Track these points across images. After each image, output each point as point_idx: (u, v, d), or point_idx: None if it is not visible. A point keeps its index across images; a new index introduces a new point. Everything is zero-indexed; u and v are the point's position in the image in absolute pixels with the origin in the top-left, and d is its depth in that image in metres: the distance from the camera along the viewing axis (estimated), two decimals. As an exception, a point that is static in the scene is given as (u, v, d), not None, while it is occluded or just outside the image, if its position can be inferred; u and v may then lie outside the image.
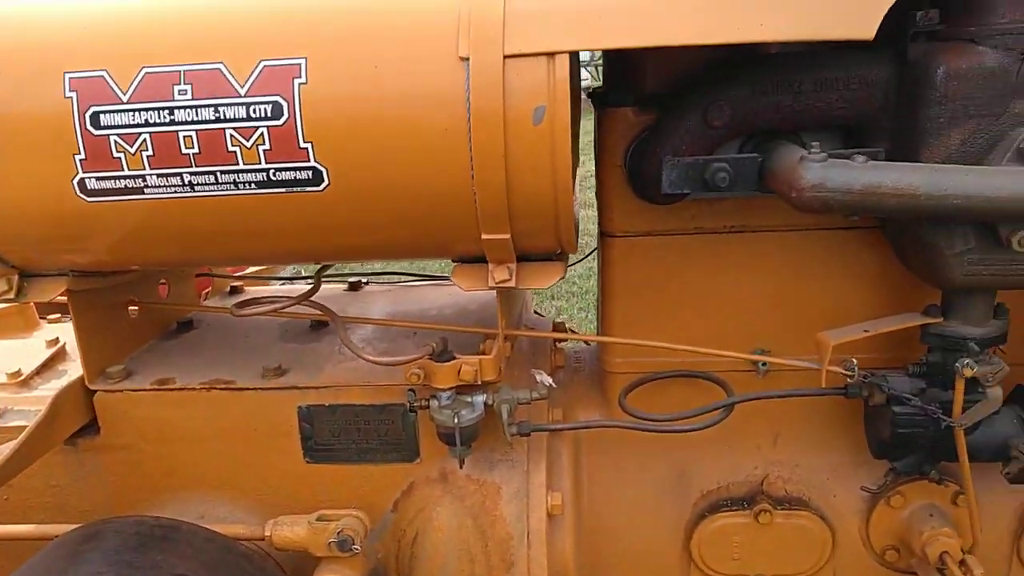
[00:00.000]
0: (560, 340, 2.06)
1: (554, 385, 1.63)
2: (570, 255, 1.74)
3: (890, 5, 1.26)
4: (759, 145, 1.59)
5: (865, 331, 1.61)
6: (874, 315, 1.72)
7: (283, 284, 2.62)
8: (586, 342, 2.21)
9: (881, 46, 1.48)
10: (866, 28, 1.27)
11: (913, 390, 1.62)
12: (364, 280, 2.43)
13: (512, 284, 1.50)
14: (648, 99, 1.66)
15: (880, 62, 1.48)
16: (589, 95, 1.85)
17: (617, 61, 1.82)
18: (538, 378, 1.62)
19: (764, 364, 1.79)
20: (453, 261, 1.58)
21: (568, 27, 1.29)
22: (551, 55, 1.28)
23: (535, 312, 2.43)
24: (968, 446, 1.61)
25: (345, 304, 2.19)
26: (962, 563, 1.75)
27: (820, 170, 1.33)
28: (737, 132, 1.55)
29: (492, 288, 1.51)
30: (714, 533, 1.86)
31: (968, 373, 1.52)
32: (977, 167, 1.37)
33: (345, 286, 2.41)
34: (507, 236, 1.41)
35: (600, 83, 1.93)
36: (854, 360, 1.60)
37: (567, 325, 2.30)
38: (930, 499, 1.84)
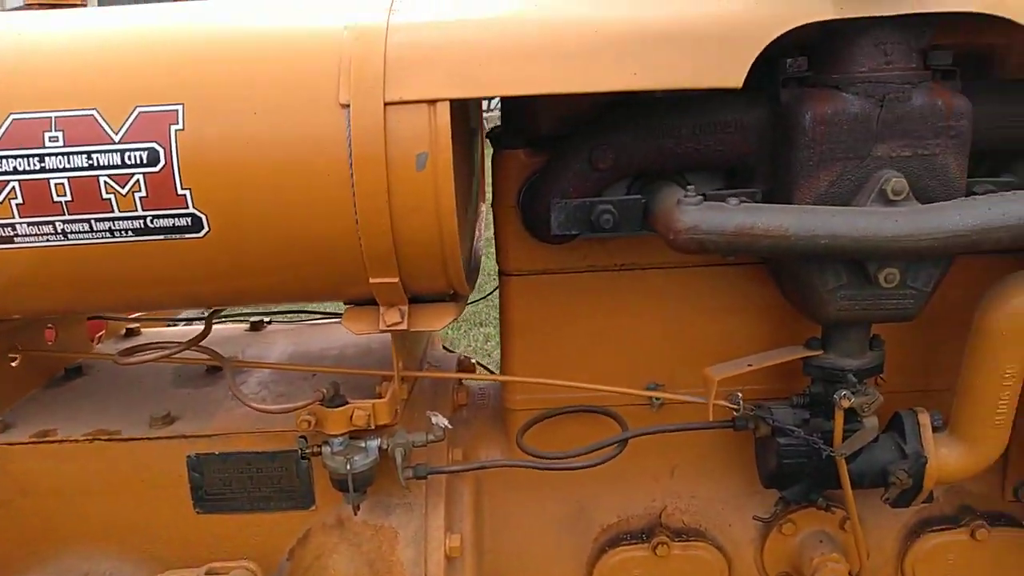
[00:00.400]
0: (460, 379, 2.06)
1: (450, 427, 1.63)
2: (471, 293, 1.76)
3: (755, 56, 1.33)
4: (645, 186, 1.64)
5: (749, 365, 1.66)
6: (763, 347, 1.78)
7: (185, 324, 2.55)
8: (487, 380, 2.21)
9: (756, 92, 1.56)
10: (734, 77, 1.33)
11: (797, 421, 1.68)
12: (267, 319, 2.39)
13: (404, 327, 1.50)
14: (540, 141, 1.70)
15: (755, 107, 1.54)
16: (489, 135, 1.88)
17: (512, 102, 1.85)
18: (433, 420, 1.61)
19: (658, 399, 1.83)
20: (344, 304, 1.57)
21: (448, 75, 1.31)
22: (432, 102, 1.30)
23: (444, 347, 2.42)
24: (851, 473, 1.68)
25: (244, 345, 2.14)
26: (850, 587, 1.81)
27: (695, 213, 1.38)
28: (623, 174, 1.59)
29: (383, 331, 1.50)
30: (614, 568, 1.87)
31: (846, 404, 1.59)
32: (844, 208, 1.44)
33: (247, 326, 2.36)
34: (396, 280, 1.41)
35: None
36: (739, 394, 1.65)
37: (474, 360, 2.31)
38: (820, 526, 1.90)
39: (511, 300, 1.81)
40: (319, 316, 2.49)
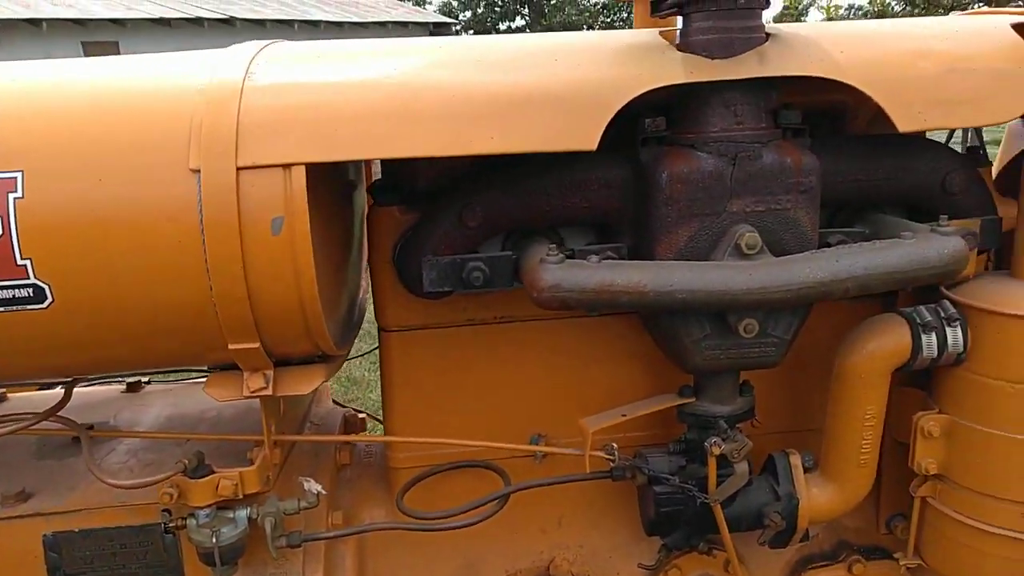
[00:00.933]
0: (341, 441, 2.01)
1: (323, 492, 1.59)
2: (350, 349, 1.73)
3: (608, 120, 1.36)
4: (519, 242, 1.66)
5: (623, 415, 1.68)
6: (644, 394, 1.81)
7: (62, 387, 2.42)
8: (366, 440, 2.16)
9: (619, 151, 1.60)
10: (589, 140, 1.36)
11: (673, 468, 1.70)
12: (144, 379, 2.29)
13: (269, 392, 1.46)
14: (414, 198, 1.70)
15: (618, 165, 1.59)
16: (370, 189, 1.87)
17: (389, 161, 1.85)
18: (306, 486, 1.57)
19: (541, 454, 1.83)
20: (207, 369, 1.53)
21: (304, 139, 1.30)
22: (287, 167, 1.29)
23: (334, 401, 2.38)
24: (727, 517, 1.71)
25: (117, 409, 2.05)
26: (735, 628, 1.83)
27: (557, 271, 1.40)
28: (495, 231, 1.61)
29: (247, 398, 1.46)
30: (503, 623, 1.85)
31: (716, 451, 1.62)
32: (699, 263, 1.48)
33: (123, 387, 2.26)
34: (256, 345, 1.38)
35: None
36: (614, 444, 1.66)
37: (364, 415, 2.27)
38: (704, 570, 1.92)
39: (391, 356, 1.79)
40: (201, 374, 2.40)
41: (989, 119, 1.49)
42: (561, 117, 1.36)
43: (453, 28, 29.68)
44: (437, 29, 24.12)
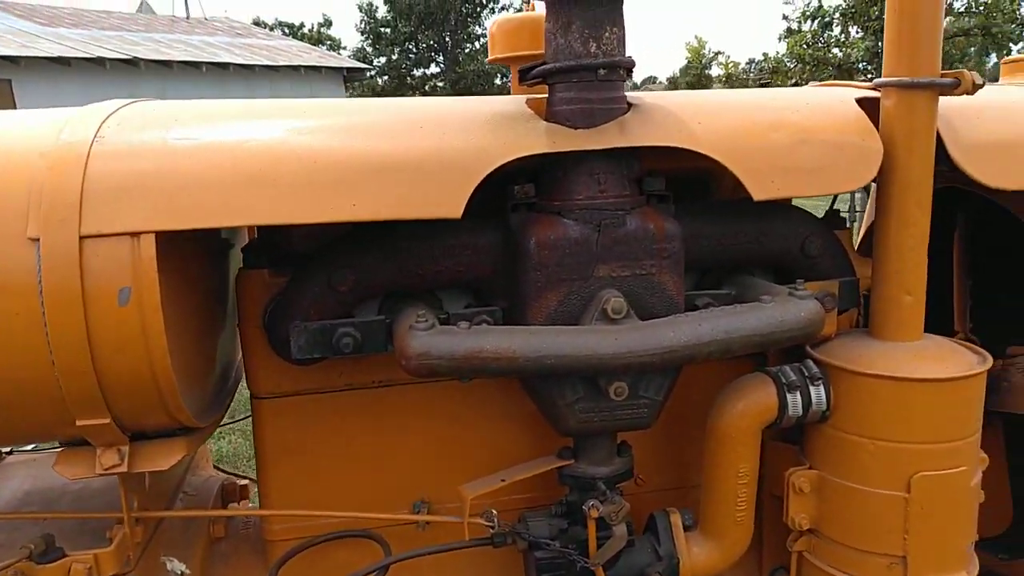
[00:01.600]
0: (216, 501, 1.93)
1: (187, 572, 1.51)
2: (221, 418, 1.67)
3: (473, 188, 1.37)
4: (394, 306, 1.65)
5: (502, 480, 1.67)
6: (527, 457, 1.80)
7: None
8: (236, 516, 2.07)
9: (490, 216, 1.61)
10: (454, 208, 1.36)
11: (553, 533, 1.69)
12: (7, 449, 2.15)
13: (123, 469, 1.39)
14: (285, 260, 1.67)
15: (489, 231, 1.60)
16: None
17: None
18: (168, 566, 1.49)
19: (422, 523, 1.80)
20: (60, 444, 1.44)
21: (154, 206, 1.26)
22: (135, 235, 1.24)
23: (215, 467, 2.28)
24: (610, 580, 1.70)
25: (-29, 483, 1.91)
26: None
27: (425, 338, 1.39)
28: (366, 295, 1.59)
29: (100, 475, 1.38)
30: None
31: (595, 513, 1.62)
32: (568, 328, 1.50)
33: (-18, 458, 2.11)
34: (107, 420, 1.31)
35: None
36: (494, 511, 1.64)
37: (244, 483, 2.18)
38: (592, 631, 1.91)
39: (264, 425, 1.74)
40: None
41: (837, 187, 1.57)
42: (425, 185, 1.36)
43: (367, 73, 29.76)
44: (351, 74, 24.12)
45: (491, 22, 2.02)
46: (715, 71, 30.92)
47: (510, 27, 2.01)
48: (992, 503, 2.17)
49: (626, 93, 1.58)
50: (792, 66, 20.38)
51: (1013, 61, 2.36)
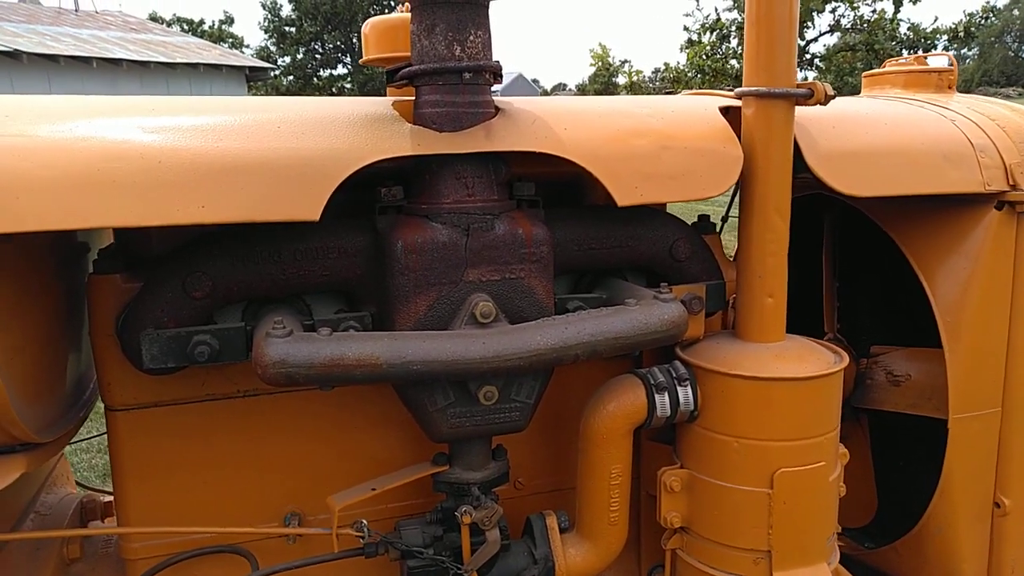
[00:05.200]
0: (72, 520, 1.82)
1: (27, 599, 1.41)
2: (75, 431, 1.57)
3: (332, 190, 1.34)
4: (257, 312, 1.59)
5: (373, 489, 1.64)
6: (402, 463, 1.76)
7: None
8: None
9: (358, 218, 1.58)
10: (311, 211, 1.32)
11: (427, 540, 1.67)
12: None
13: (-51, 490, 1.28)
14: (139, 265, 1.59)
15: (357, 233, 1.56)
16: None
17: None
18: (4, 592, 1.39)
19: (291, 537, 1.74)
20: None
21: None
22: (-43, 239, 1.15)
23: (78, 483, 2.16)
24: (486, 585, 1.69)
25: None
26: None
27: (282, 346, 1.35)
28: (225, 300, 1.53)
29: (-79, 498, 1.28)
30: None
31: (467, 520, 1.61)
32: (434, 333, 1.48)
33: None
34: (-73, 438, 1.21)
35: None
36: (364, 521, 1.61)
37: (108, 500, 2.06)
38: (470, 638, 1.89)
39: (120, 438, 1.64)
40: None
41: (698, 194, 1.61)
42: (280, 187, 1.32)
43: (271, 73, 29.02)
44: (253, 74, 23.43)
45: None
46: (621, 80, 31.62)
47: (383, 28, 1.98)
48: (857, 495, 2.28)
49: (500, 98, 1.58)
50: (692, 76, 21.05)
51: (873, 75, 2.49)
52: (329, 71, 37.40)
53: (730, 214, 2.15)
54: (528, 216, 1.59)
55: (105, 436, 1.63)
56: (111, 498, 2.13)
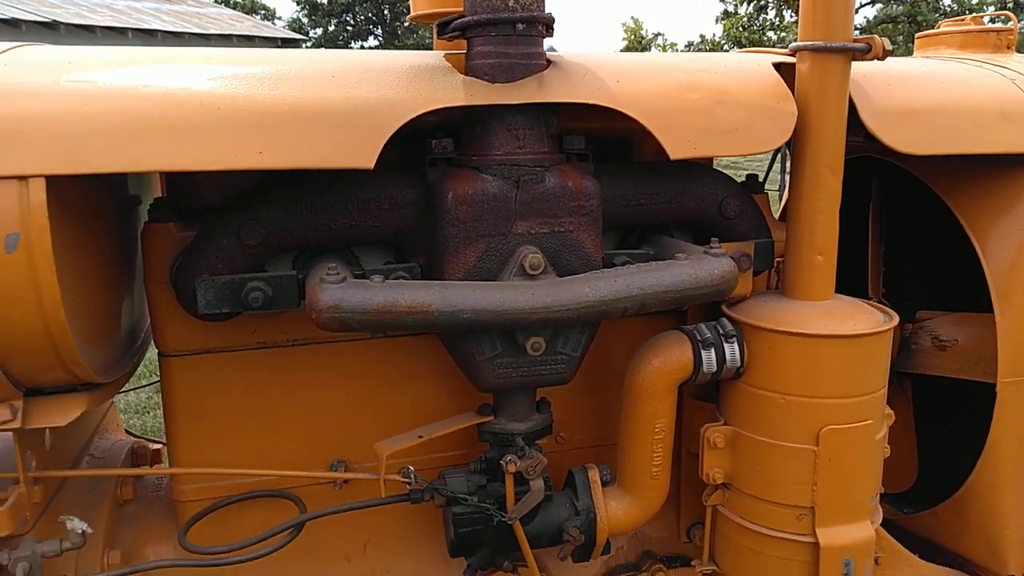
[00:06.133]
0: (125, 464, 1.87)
1: (89, 531, 1.46)
2: (130, 375, 1.61)
3: (386, 139, 1.35)
4: (308, 261, 1.61)
5: (420, 436, 1.66)
6: (447, 415, 1.79)
7: None
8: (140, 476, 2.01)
9: (409, 170, 1.59)
10: (366, 159, 1.33)
11: (472, 488, 1.69)
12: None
13: (17, 424, 1.33)
14: (192, 212, 1.61)
15: (408, 185, 1.57)
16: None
17: (171, 174, 1.75)
18: (69, 525, 1.44)
19: (338, 482, 1.78)
20: (-52, 402, 1.37)
21: (44, 149, 1.19)
22: (23, 179, 1.18)
23: (126, 431, 2.21)
24: (528, 534, 1.71)
25: None
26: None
27: (336, 292, 1.36)
28: (277, 249, 1.55)
29: (-9, 432, 1.32)
30: (305, 658, 1.77)
31: (512, 469, 1.63)
32: (485, 283, 1.49)
33: None
34: (-4, 372, 1.25)
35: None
36: (410, 467, 1.64)
37: (157, 447, 2.12)
38: (511, 587, 1.93)
39: (173, 384, 1.68)
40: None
41: (751, 149, 1.59)
42: (336, 135, 1.33)
43: (303, 45, 29.05)
44: (286, 45, 23.48)
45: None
46: (654, 51, 31.21)
47: (431, -18, 1.97)
48: (898, 461, 2.27)
49: (551, 52, 1.57)
50: (728, 49, 20.70)
51: (927, 35, 2.43)
52: (360, 43, 37.36)
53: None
54: (578, 169, 1.59)
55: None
56: (159, 446, 2.19)
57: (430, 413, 1.83)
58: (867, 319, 1.72)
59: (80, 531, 1.44)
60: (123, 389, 1.83)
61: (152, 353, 1.79)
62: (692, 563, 1.96)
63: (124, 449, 1.96)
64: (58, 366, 1.30)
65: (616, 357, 1.95)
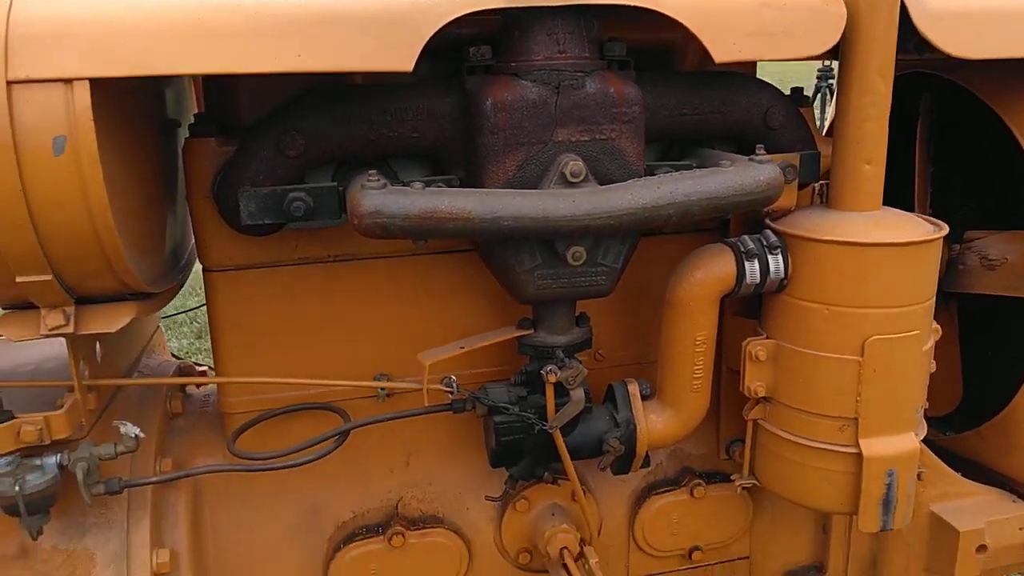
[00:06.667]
0: (170, 384, 1.92)
1: (141, 435, 1.51)
2: (178, 288, 1.64)
3: (425, 41, 1.32)
4: (347, 174, 1.61)
5: (461, 347, 1.67)
6: (486, 330, 1.80)
7: None
8: (195, 385, 2.06)
9: (446, 79, 1.57)
10: (405, 61, 1.31)
11: (513, 399, 1.71)
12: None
13: (70, 329, 1.36)
14: (232, 129, 1.61)
15: (445, 94, 1.55)
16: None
17: (212, 89, 1.75)
18: (122, 430, 1.49)
19: (382, 390, 1.81)
20: (3, 308, 1.41)
21: (87, 51, 1.19)
22: (68, 81, 1.18)
23: (173, 355, 2.27)
24: (569, 446, 1.73)
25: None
26: (580, 555, 1.88)
27: (378, 197, 1.36)
28: (317, 160, 1.55)
29: (45, 336, 1.36)
30: (350, 564, 1.83)
31: (552, 379, 1.64)
32: (525, 191, 1.48)
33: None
34: (49, 277, 1.28)
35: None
36: (452, 377, 1.65)
37: (203, 368, 2.18)
38: (552, 499, 1.96)
39: (217, 298, 1.71)
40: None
41: (799, 52, 1.54)
42: (375, 37, 1.31)
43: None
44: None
45: None
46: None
47: None
48: (941, 384, 2.24)
49: None
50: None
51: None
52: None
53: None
54: (620, 76, 1.55)
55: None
56: (204, 368, 2.25)
57: (469, 329, 1.84)
58: (916, 228, 1.68)
59: (133, 435, 1.49)
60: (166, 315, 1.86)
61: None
62: (732, 477, 1.97)
63: (171, 368, 2.02)
64: (107, 272, 1.33)
65: (654, 276, 1.93)
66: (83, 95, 1.18)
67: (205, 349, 4.99)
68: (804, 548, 2.21)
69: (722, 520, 2.10)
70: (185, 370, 2.02)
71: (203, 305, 1.81)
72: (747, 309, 1.88)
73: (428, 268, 1.80)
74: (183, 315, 6.24)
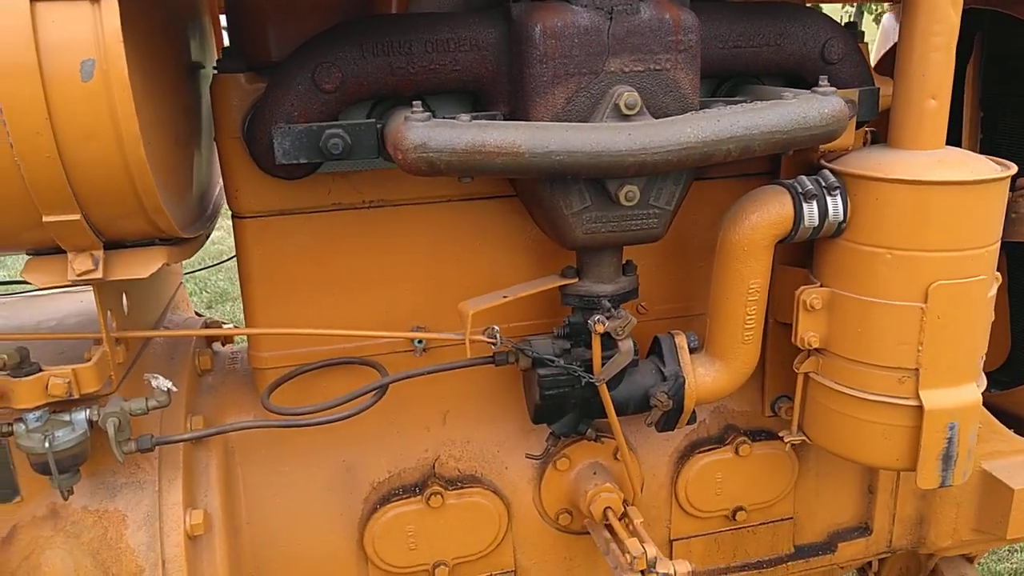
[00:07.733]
0: (200, 337, 1.85)
1: (174, 389, 1.43)
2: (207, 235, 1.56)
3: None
4: (384, 112, 1.52)
5: (504, 296, 1.59)
6: (526, 279, 1.72)
7: None
8: (224, 339, 1.98)
9: (490, 8, 1.47)
10: None
11: (557, 351, 1.63)
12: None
13: (99, 275, 1.28)
14: (263, 64, 1.52)
15: (489, 24, 1.46)
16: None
17: (238, 25, 1.66)
18: (154, 383, 1.42)
19: (420, 342, 1.73)
20: (28, 254, 1.33)
21: None
22: (95, 0, 1.09)
23: (196, 313, 2.19)
24: (614, 401, 1.66)
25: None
26: (624, 515, 1.81)
27: (423, 130, 1.28)
28: (354, 96, 1.45)
29: (74, 282, 1.28)
30: (386, 526, 1.77)
31: (600, 329, 1.56)
32: (576, 124, 1.39)
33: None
34: (77, 216, 1.20)
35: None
36: (496, 327, 1.57)
37: (228, 325, 2.10)
38: (594, 458, 1.89)
39: (247, 246, 1.63)
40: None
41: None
42: None
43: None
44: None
45: None
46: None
47: None
48: (992, 336, 2.16)
49: None
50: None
51: None
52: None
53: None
54: (674, 2, 1.45)
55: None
56: (230, 325, 2.17)
57: (509, 280, 1.75)
58: (983, 167, 1.59)
59: (165, 388, 1.41)
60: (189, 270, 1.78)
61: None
62: (780, 434, 1.89)
63: (197, 324, 1.94)
64: (138, 212, 1.25)
65: (700, 223, 1.85)
66: (112, 15, 1.10)
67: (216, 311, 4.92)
68: (849, 508, 2.14)
69: (767, 480, 2.03)
70: (211, 326, 1.95)
71: (232, 257, 1.73)
72: (795, 257, 1.79)
73: (466, 215, 1.72)
74: (193, 285, 6.18)
